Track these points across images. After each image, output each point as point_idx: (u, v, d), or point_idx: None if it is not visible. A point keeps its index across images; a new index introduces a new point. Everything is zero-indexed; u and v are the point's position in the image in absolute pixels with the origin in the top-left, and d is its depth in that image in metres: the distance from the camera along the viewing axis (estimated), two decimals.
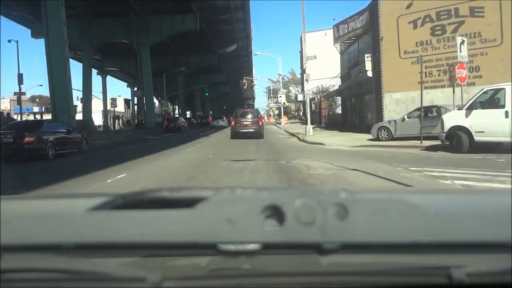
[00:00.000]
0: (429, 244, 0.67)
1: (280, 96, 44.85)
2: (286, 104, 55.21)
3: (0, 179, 7.58)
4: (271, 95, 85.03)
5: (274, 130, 32.76)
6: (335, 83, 32.75)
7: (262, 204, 0.66)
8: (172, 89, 62.69)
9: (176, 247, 0.67)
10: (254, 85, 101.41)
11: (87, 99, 47.06)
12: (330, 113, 37.04)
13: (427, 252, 0.68)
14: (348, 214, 0.65)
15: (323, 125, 34.60)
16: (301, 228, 0.64)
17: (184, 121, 40.07)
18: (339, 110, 35.13)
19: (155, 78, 56.98)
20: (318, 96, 37.76)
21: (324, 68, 44.45)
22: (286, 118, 48.90)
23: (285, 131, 30.06)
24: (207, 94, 65.28)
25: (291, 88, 73.67)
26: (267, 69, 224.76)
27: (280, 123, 44.29)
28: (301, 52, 50.67)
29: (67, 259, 0.67)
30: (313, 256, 0.67)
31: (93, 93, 47.28)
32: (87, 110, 46.61)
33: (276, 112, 78.22)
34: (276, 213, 0.65)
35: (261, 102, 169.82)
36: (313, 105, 42.89)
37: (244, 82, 48.93)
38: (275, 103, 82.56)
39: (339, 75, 29.56)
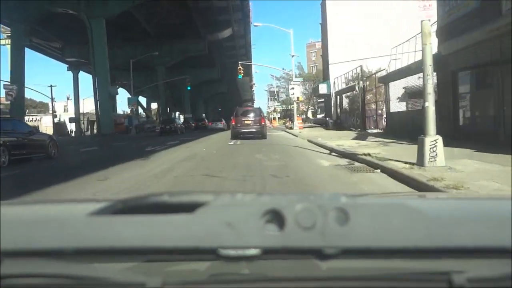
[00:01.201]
0: (430, 249, 0.66)
1: (293, 88, 30.22)
2: (301, 99, 41.13)
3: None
4: (275, 96, 72.21)
5: (290, 141, 18.81)
6: (401, 57, 17.83)
7: (262, 209, 0.66)
8: (154, 88, 49.96)
9: (176, 252, 0.67)
10: (254, 84, 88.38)
11: (19, 94, 33.21)
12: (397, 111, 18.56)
13: (427, 257, 0.68)
14: (348, 219, 0.65)
15: (372, 131, 20.48)
16: (301, 233, 0.64)
17: (180, 123, 40.87)
18: (395, 107, 19.79)
19: (134, 73, 44.66)
20: (361, 84, 22.78)
21: (357, 46, 30.55)
22: (301, 121, 35.24)
23: (309, 142, 16.35)
24: (189, 88, 52.17)
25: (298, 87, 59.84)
26: (270, 63, 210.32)
27: (291, 128, 30.18)
28: (321, 23, 37.09)
29: (67, 264, 0.68)
30: (313, 261, 0.67)
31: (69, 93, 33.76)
32: (18, 108, 32.91)
33: (278, 115, 64.91)
34: (276, 217, 0.65)
35: (261, 104, 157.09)
36: (344, 100, 28.73)
37: (239, 69, 35.25)
38: (279, 103, 69.42)
39: (433, 25, 15.02)
